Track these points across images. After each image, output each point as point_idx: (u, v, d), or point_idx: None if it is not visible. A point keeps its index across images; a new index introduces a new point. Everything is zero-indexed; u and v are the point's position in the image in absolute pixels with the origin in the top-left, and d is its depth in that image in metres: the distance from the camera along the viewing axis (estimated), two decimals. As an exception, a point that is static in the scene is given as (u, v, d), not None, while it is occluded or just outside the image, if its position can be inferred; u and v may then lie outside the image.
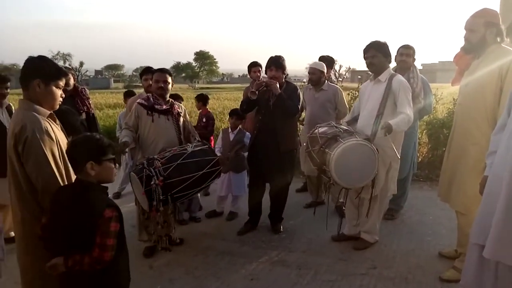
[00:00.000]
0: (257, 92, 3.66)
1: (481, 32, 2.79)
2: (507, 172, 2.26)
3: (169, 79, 3.50)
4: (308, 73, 4.53)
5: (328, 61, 4.71)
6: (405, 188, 4.31)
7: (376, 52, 3.35)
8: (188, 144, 3.42)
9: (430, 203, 4.68)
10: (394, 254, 3.47)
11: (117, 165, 2.00)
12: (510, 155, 2.25)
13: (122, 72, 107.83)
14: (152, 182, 2.94)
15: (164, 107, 3.48)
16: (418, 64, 4.37)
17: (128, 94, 5.53)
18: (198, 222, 4.34)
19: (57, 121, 2.24)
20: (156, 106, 3.44)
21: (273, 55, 3.83)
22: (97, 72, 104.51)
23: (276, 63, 3.76)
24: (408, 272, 3.15)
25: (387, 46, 3.39)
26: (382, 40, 3.43)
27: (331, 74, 5.00)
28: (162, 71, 3.52)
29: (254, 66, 5.19)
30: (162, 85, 3.45)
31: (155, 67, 3.86)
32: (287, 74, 4.07)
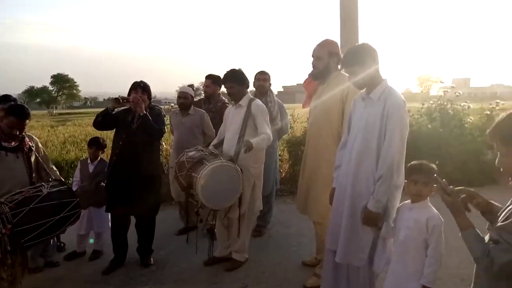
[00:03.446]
0: (121, 100, 3.48)
1: (326, 60, 3.15)
2: (349, 184, 2.57)
3: (27, 123, 3.16)
4: (179, 97, 4.49)
5: (215, 79, 4.69)
6: (270, 203, 4.56)
7: (232, 83, 3.54)
8: (43, 184, 3.03)
9: (294, 216, 5.01)
10: (264, 269, 3.61)
11: None
12: (351, 168, 2.57)
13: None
14: (-3, 230, 2.52)
15: (13, 143, 3.06)
16: (279, 86, 4.74)
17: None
18: (56, 267, 3.83)
19: None
20: (4, 144, 3.03)
21: (140, 80, 3.74)
22: None
23: (143, 86, 3.67)
24: (277, 285, 3.30)
25: (242, 73, 3.59)
26: (237, 67, 3.64)
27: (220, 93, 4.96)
28: (20, 116, 3.10)
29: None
30: (17, 132, 3.11)
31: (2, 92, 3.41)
32: (152, 99, 3.99)
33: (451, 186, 1.66)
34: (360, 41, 4.47)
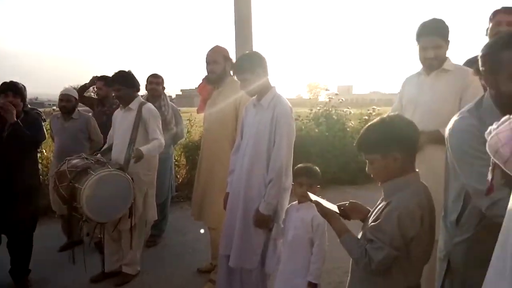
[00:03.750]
0: None
1: (222, 64, 3.18)
2: (242, 188, 2.62)
3: None
4: (61, 99, 4.03)
5: (108, 80, 4.32)
6: (165, 211, 4.42)
7: (119, 86, 3.34)
8: None
9: (190, 222, 4.92)
10: (159, 279, 3.48)
11: None
12: (243, 172, 2.62)
13: None
14: None
15: None
16: (177, 89, 4.62)
17: None
18: None
19: None
20: None
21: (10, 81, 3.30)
22: None
23: (14, 88, 3.24)
24: (172, 295, 3.21)
25: (131, 76, 3.42)
26: (126, 69, 3.45)
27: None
28: None
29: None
30: None
31: None
32: (27, 104, 3.57)
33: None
34: (255, 48, 4.62)
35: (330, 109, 7.49)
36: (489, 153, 0.68)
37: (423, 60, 2.54)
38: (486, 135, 0.70)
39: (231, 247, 2.59)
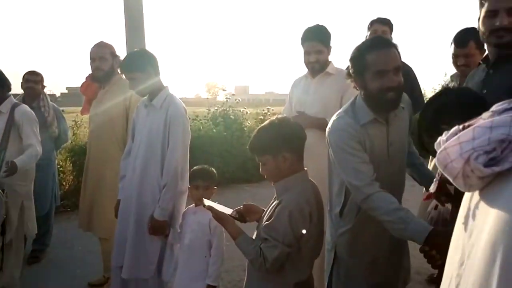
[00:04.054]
0: None
1: (110, 61, 2.97)
2: (134, 193, 2.48)
3: None
4: None
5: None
6: (48, 224, 3.98)
7: None
8: None
9: (79, 233, 4.52)
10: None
11: None
12: (136, 177, 2.48)
13: None
14: None
15: None
16: (63, 87, 4.17)
17: None
18: None
19: None
20: None
21: None
22: None
23: None
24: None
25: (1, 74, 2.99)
26: None
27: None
28: None
29: None
30: None
31: None
32: None
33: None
34: (148, 46, 4.43)
35: (228, 109, 7.58)
36: (438, 167, 0.67)
37: (307, 63, 2.71)
38: (436, 147, 0.69)
39: (123, 258, 2.43)
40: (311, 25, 2.70)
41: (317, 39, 2.63)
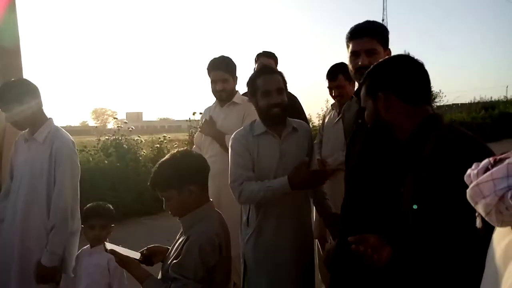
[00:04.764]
0: None
1: None
2: (17, 239, 2.21)
3: None
4: None
5: None
6: None
7: None
8: None
9: None
10: None
11: None
12: (17, 221, 2.22)
13: None
14: None
15: None
16: None
17: None
18: None
19: None
20: None
21: None
22: None
23: None
24: None
25: None
26: None
27: None
28: None
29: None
30: None
31: None
32: None
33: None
34: (26, 75, 4.02)
35: (120, 138, 7.19)
36: (470, 202, 0.66)
37: (214, 92, 2.79)
38: (465, 179, 0.69)
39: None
40: (217, 56, 2.80)
41: (223, 69, 2.73)
